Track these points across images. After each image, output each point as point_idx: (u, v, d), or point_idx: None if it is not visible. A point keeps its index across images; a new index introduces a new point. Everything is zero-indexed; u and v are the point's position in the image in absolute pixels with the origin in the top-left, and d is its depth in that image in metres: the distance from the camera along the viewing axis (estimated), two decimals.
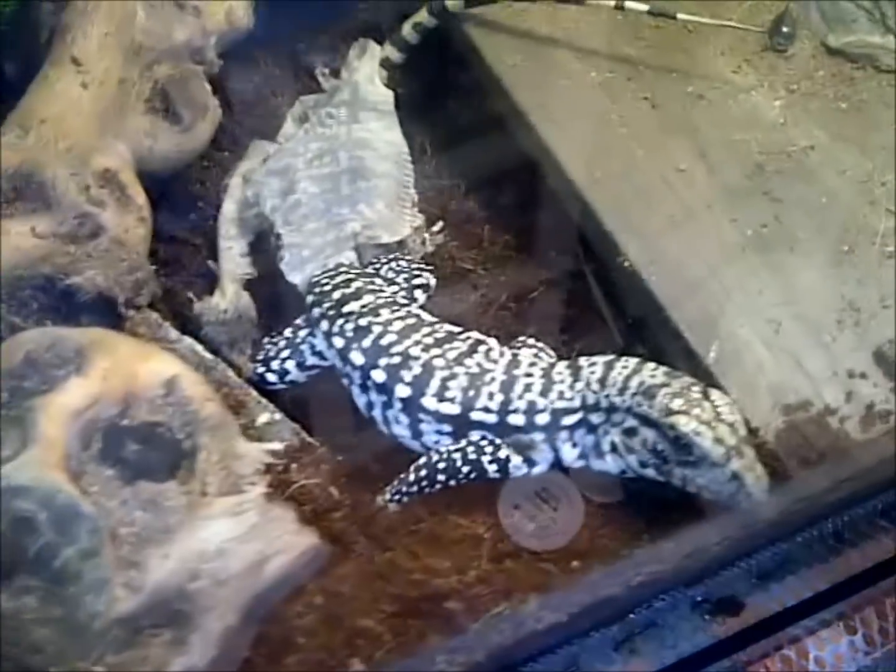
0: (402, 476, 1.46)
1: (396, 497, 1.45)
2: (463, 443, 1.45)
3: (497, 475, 1.46)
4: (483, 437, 1.45)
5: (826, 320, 1.61)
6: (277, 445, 1.30)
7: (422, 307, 1.74)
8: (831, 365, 1.55)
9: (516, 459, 1.45)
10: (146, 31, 1.72)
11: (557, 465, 1.48)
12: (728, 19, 1.98)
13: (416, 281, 1.75)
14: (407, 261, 1.78)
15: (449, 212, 1.94)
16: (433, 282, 1.78)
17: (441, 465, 1.44)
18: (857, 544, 1.34)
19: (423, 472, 1.45)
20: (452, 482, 1.45)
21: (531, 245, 1.87)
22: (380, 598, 1.28)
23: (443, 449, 1.46)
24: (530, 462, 1.46)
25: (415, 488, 1.45)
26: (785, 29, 2.00)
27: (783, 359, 1.56)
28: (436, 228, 1.91)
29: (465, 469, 1.44)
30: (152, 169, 1.72)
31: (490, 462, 1.44)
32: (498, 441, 1.44)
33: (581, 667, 1.21)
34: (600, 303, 1.77)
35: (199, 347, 1.52)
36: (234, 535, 1.15)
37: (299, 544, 1.20)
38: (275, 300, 1.78)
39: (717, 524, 1.33)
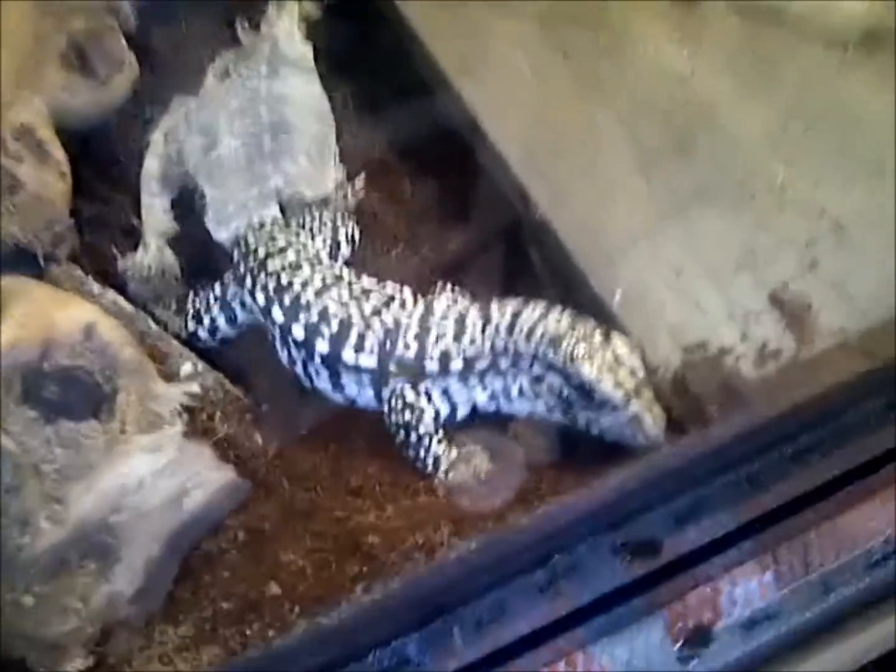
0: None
1: (426, 468, 1.48)
2: (386, 395, 1.51)
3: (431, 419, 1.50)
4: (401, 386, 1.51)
5: (725, 264, 1.68)
6: (196, 388, 1.35)
7: (347, 261, 1.79)
8: (728, 307, 1.64)
9: (437, 398, 1.52)
10: None
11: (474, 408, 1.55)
12: None
13: (341, 235, 1.79)
14: (331, 215, 1.82)
15: (370, 166, 1.98)
16: (358, 235, 1.83)
17: (402, 427, 1.49)
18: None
19: (410, 439, 1.49)
20: (418, 431, 1.49)
21: (451, 198, 1.93)
22: (302, 535, 1.35)
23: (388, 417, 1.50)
24: (452, 404, 1.53)
25: (421, 451, 1.48)
26: None
27: (683, 302, 1.64)
28: (358, 183, 1.95)
29: (406, 416, 1.49)
30: (70, 124, 1.73)
31: (418, 398, 1.50)
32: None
33: (508, 610, 1.26)
34: (533, 255, 1.82)
35: (122, 300, 1.56)
36: (152, 470, 1.21)
37: (218, 479, 1.26)
38: (199, 256, 1.82)
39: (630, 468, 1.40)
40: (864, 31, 1.96)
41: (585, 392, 1.43)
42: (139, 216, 1.86)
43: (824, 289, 1.66)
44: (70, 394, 1.22)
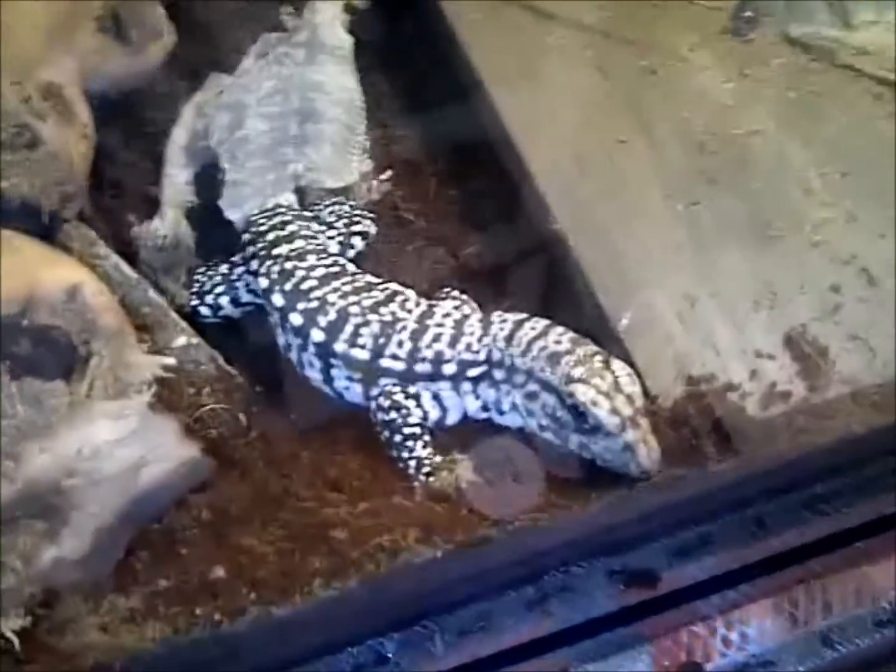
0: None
1: (408, 469, 1.44)
2: (374, 392, 1.48)
3: (418, 422, 1.47)
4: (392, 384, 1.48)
5: (742, 300, 1.64)
6: (171, 360, 1.33)
7: (359, 253, 1.77)
8: (740, 343, 1.59)
9: (427, 401, 1.48)
10: None
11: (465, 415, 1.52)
12: None
13: (356, 227, 1.77)
14: (349, 206, 1.80)
15: (399, 162, 1.96)
16: (373, 230, 1.80)
17: (387, 426, 1.46)
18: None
19: (395, 439, 1.46)
20: (403, 432, 1.46)
21: (474, 202, 1.90)
22: (269, 521, 1.32)
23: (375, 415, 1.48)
24: (442, 408, 1.50)
25: (404, 453, 1.45)
26: (747, 13, 2.02)
27: (694, 333, 1.59)
28: (384, 177, 1.93)
29: (392, 416, 1.46)
30: (100, 88, 1.73)
31: (406, 399, 1.47)
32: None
33: (493, 623, 1.25)
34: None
35: (125, 266, 1.55)
36: (113, 438, 1.19)
37: (179, 454, 1.24)
38: (215, 231, 1.80)
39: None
40: None
41: (579, 415, 1.39)
42: (160, 185, 1.85)
43: (844, 336, 1.62)
44: (42, 352, 1.21)
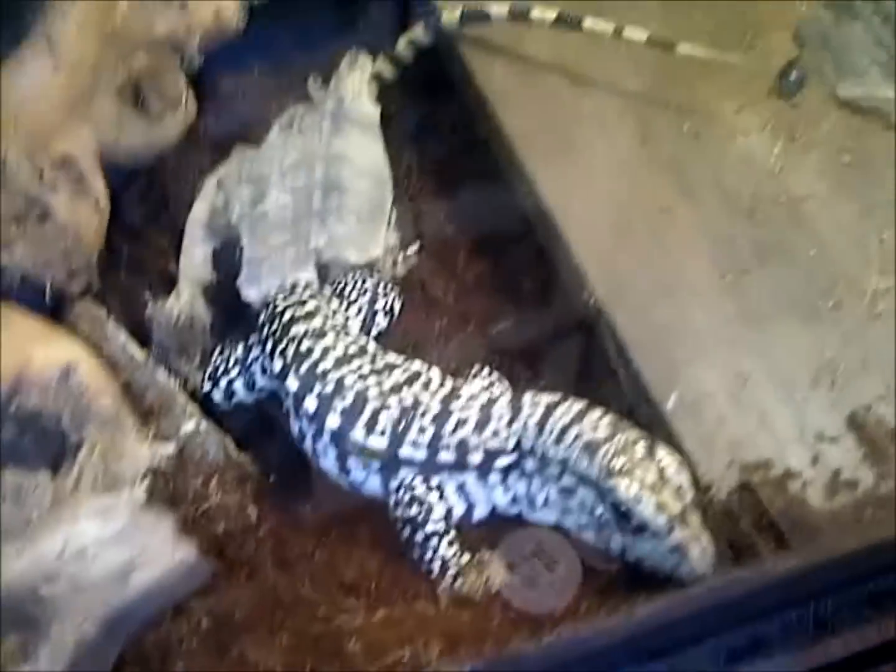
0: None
1: (432, 572, 1.33)
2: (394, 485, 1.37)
3: (442, 517, 1.35)
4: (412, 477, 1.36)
5: (800, 378, 1.51)
6: (171, 449, 1.22)
7: (383, 331, 1.67)
8: (799, 425, 1.46)
9: (451, 494, 1.36)
10: (127, 19, 1.70)
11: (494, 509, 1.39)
12: (740, 60, 1.89)
13: (380, 304, 1.68)
14: (374, 282, 1.70)
15: (427, 235, 1.88)
16: (398, 306, 1.71)
17: (408, 523, 1.35)
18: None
19: (416, 538, 1.34)
20: (425, 529, 1.34)
21: (506, 277, 1.80)
22: (277, 629, 1.19)
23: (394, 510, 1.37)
24: (468, 502, 1.37)
25: (427, 553, 1.33)
26: (794, 75, 1.92)
27: (747, 414, 1.47)
28: (411, 251, 1.84)
29: (413, 511, 1.34)
30: (118, 159, 1.69)
31: (428, 492, 1.35)
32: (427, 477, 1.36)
33: None
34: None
35: (134, 347, 1.47)
36: (99, 537, 1.07)
37: (173, 557, 1.11)
38: (233, 310, 1.72)
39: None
40: None
41: (622, 513, 1.25)
42: (178, 262, 1.77)
43: None
44: (28, 440, 1.10)
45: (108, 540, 1.09)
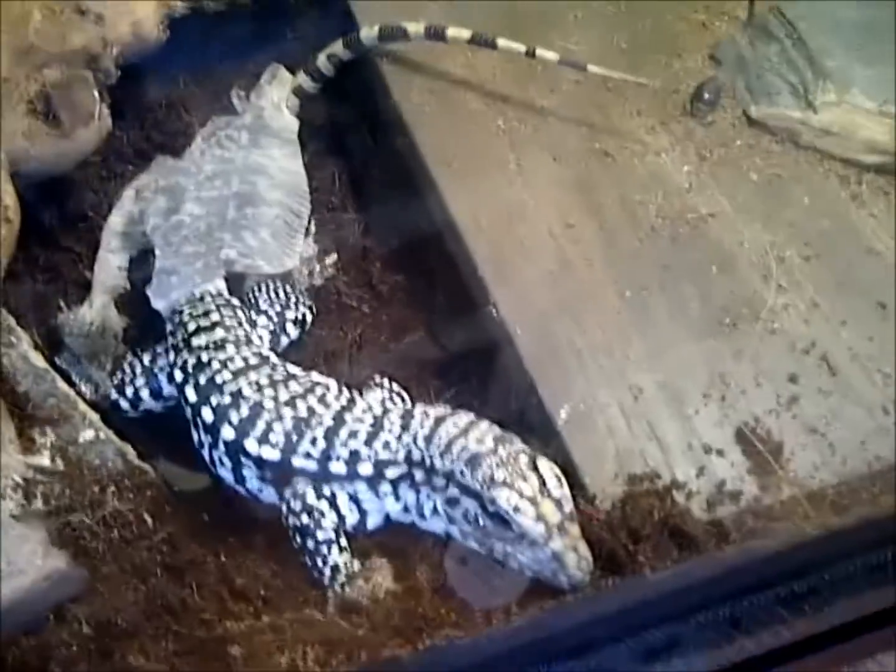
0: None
1: (322, 579, 1.36)
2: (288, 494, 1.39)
3: (332, 526, 1.38)
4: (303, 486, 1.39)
5: (692, 392, 1.55)
6: (45, 461, 1.24)
7: (295, 341, 1.70)
8: (687, 438, 1.50)
9: (343, 503, 1.39)
10: (40, 32, 1.70)
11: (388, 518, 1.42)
12: (652, 81, 1.93)
13: (291, 314, 1.70)
14: (286, 292, 1.73)
15: (345, 247, 1.91)
16: (310, 317, 1.74)
17: (299, 531, 1.37)
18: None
19: (308, 545, 1.37)
20: (316, 537, 1.37)
21: (417, 289, 1.84)
22: (163, 635, 1.21)
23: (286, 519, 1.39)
24: (361, 511, 1.40)
25: (318, 560, 1.36)
26: (707, 95, 1.96)
27: (638, 427, 1.50)
28: (328, 261, 1.87)
29: (304, 520, 1.37)
30: (29, 171, 1.69)
31: (319, 501, 1.37)
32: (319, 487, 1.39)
33: None
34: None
35: (35, 356, 1.48)
36: None
37: (42, 567, 1.13)
38: (146, 319, 1.74)
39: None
40: (884, 162, 1.83)
41: (502, 522, 1.28)
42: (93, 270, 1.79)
43: (801, 430, 1.53)
44: None
45: None
